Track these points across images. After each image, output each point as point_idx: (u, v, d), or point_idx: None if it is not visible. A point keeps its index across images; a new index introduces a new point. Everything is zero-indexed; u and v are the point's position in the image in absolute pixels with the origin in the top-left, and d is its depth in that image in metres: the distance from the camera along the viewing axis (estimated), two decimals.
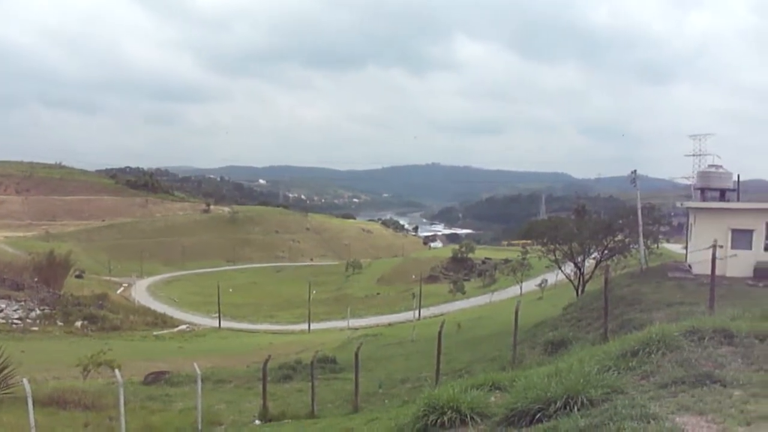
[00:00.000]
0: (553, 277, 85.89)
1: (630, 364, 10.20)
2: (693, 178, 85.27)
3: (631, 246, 54.57)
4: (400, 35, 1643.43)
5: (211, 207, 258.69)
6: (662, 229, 64.53)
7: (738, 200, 40.72)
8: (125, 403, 18.14)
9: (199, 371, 22.51)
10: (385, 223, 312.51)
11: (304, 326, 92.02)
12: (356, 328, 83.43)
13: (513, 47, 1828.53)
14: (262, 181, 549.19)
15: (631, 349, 10.75)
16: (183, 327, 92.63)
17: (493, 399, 10.53)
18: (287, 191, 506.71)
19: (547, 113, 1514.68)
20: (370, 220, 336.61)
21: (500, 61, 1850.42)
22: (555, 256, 61.16)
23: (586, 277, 57.94)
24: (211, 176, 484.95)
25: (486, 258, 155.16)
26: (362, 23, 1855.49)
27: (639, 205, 47.19)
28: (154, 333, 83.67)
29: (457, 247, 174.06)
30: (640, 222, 46.87)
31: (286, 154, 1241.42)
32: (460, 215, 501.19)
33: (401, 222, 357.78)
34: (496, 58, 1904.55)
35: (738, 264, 31.07)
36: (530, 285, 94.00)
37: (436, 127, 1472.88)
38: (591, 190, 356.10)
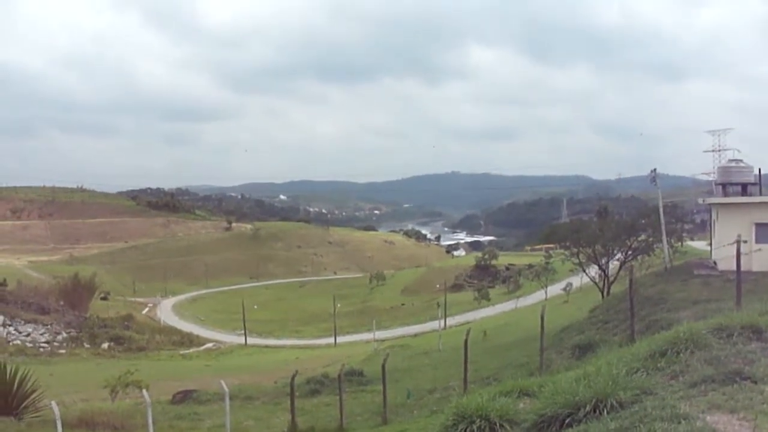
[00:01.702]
0: (577, 281, 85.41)
1: (658, 364, 10.12)
2: (714, 173, 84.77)
3: (654, 245, 54.27)
4: (413, 45, 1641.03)
5: (233, 225, 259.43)
6: (685, 226, 64.34)
7: (760, 194, 40.36)
8: (154, 423, 18.19)
9: (226, 389, 22.53)
10: (407, 234, 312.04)
11: (330, 340, 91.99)
12: (382, 340, 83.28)
13: (525, 51, 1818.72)
14: (282, 197, 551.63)
15: (659, 350, 10.66)
16: (209, 345, 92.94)
17: (521, 405, 10.48)
18: (308, 206, 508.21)
19: (563, 116, 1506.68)
20: (392, 232, 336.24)
21: (513, 66, 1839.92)
22: (579, 259, 60.83)
23: (611, 278, 57.60)
24: (232, 194, 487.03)
25: (509, 264, 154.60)
26: (374, 35, 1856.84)
27: (661, 204, 46.95)
28: (181, 352, 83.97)
29: (480, 254, 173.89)
30: (663, 221, 46.62)
31: (304, 169, 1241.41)
32: (482, 222, 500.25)
33: (423, 232, 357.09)
34: (508, 63, 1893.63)
35: (764, 258, 30.73)
36: (555, 289, 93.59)
37: (454, 135, 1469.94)
38: (612, 191, 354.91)
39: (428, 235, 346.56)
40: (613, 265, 61.06)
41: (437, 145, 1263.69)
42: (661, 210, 46.66)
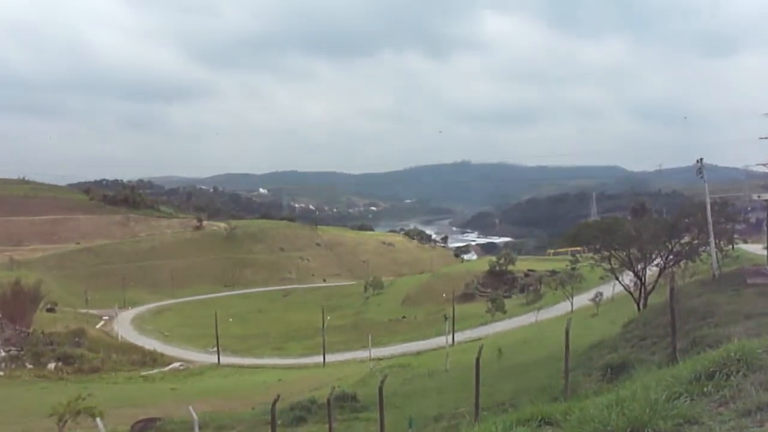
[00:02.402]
0: (609, 290, 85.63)
1: (705, 389, 10.08)
2: None
3: (700, 249, 54.30)
4: (417, 12, 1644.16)
5: (204, 223, 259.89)
6: (737, 227, 64.27)
7: None
8: None
9: (195, 416, 22.56)
10: (409, 234, 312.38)
11: (318, 359, 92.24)
12: (379, 359, 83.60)
13: (549, 20, 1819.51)
14: (262, 191, 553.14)
15: (706, 371, 10.63)
16: (176, 365, 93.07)
17: None
18: (292, 201, 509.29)
19: (595, 97, 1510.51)
20: (390, 231, 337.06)
21: (535, 37, 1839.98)
22: (610, 264, 60.90)
23: (649, 287, 57.65)
24: (203, 187, 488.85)
25: (529, 270, 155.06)
26: (371, 1, 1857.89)
27: (708, 200, 47.00)
28: (142, 373, 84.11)
29: (494, 258, 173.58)
30: (710, 220, 46.63)
31: (289, 159, 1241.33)
32: (497, 221, 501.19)
33: (428, 232, 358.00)
34: (530, 34, 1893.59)
35: None
36: (583, 300, 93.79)
37: (464, 118, 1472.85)
38: (650, 185, 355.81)
39: (433, 236, 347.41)
40: (651, 271, 61.13)
41: (444, 131, 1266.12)
42: (708, 207, 46.71)
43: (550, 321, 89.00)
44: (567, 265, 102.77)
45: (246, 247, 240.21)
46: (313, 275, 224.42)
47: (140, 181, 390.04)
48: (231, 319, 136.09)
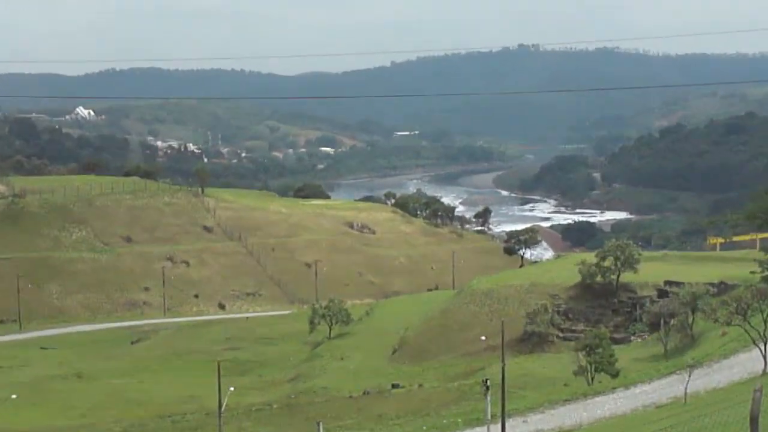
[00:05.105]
0: None
1: None
2: None
3: None
4: None
5: None
6: None
7: None
8: None
9: None
10: (404, 205, 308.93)
11: None
12: None
13: None
14: (84, 113, 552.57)
15: None
16: None
17: None
18: (150, 135, 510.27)
19: None
20: (365, 200, 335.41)
21: None
22: None
23: None
24: None
25: (668, 283, 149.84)
26: None
27: None
28: None
29: (592, 258, 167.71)
30: None
31: (140, 43, 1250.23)
32: (597, 176, 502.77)
33: (446, 201, 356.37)
34: None
35: None
36: None
37: None
38: None
39: (459, 209, 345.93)
40: None
41: None
42: None
43: (716, 393, 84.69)
44: (753, 273, 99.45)
45: (49, 235, 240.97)
46: (197, 296, 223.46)
47: None
48: (15, 395, 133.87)
